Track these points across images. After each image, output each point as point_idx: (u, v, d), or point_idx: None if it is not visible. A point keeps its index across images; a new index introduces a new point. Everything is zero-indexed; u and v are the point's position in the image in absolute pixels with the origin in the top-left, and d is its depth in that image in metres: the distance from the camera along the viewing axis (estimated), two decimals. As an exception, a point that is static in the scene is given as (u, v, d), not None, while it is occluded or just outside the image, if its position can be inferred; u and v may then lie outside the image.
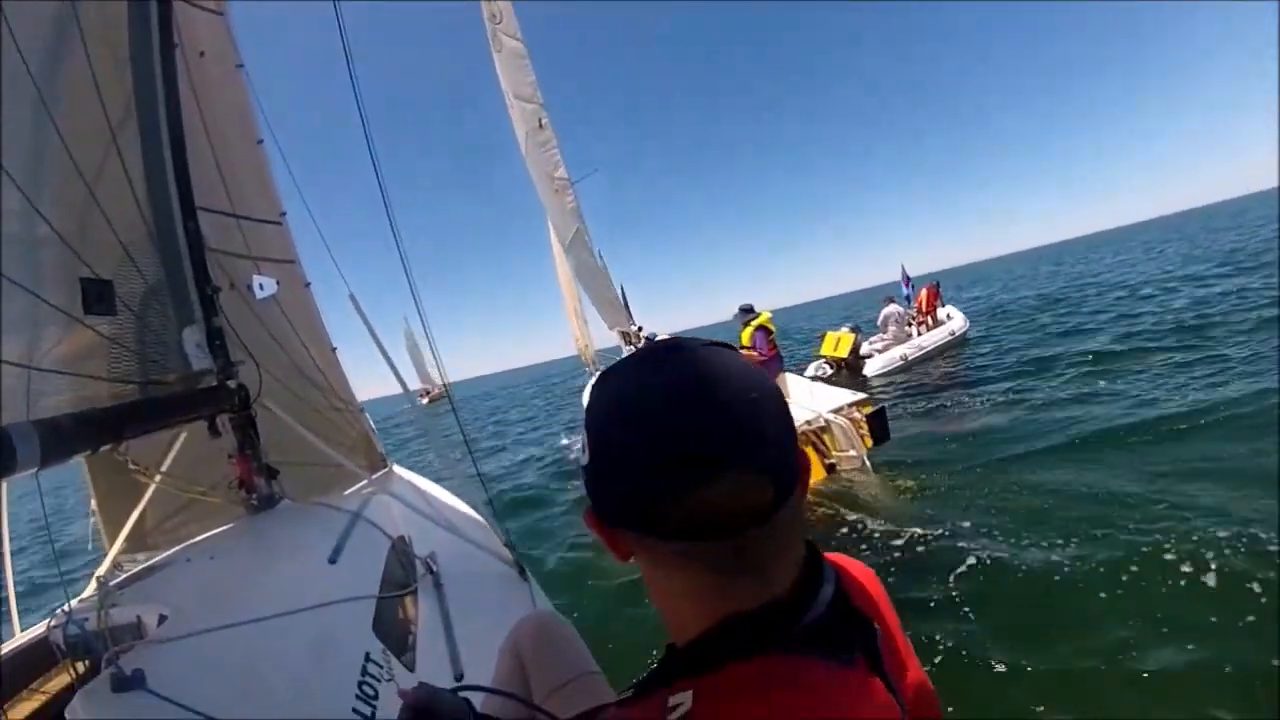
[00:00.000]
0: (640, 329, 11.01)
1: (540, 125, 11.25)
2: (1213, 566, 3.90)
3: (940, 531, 5.21)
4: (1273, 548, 3.97)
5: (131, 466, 2.98)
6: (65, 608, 2.17)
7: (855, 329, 15.82)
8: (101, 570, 3.08)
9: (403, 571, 2.66)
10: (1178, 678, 3.08)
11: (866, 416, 7.04)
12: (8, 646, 2.34)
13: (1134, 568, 4.12)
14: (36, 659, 2.31)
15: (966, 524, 5.29)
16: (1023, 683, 3.25)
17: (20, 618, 3.05)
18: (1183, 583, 3.86)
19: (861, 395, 7.47)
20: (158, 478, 3.11)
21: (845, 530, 5.79)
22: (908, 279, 19.37)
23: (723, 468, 0.60)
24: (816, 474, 7.02)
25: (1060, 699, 3.11)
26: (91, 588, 2.84)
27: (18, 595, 3.26)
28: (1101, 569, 4.18)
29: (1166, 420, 7.03)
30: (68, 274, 2.46)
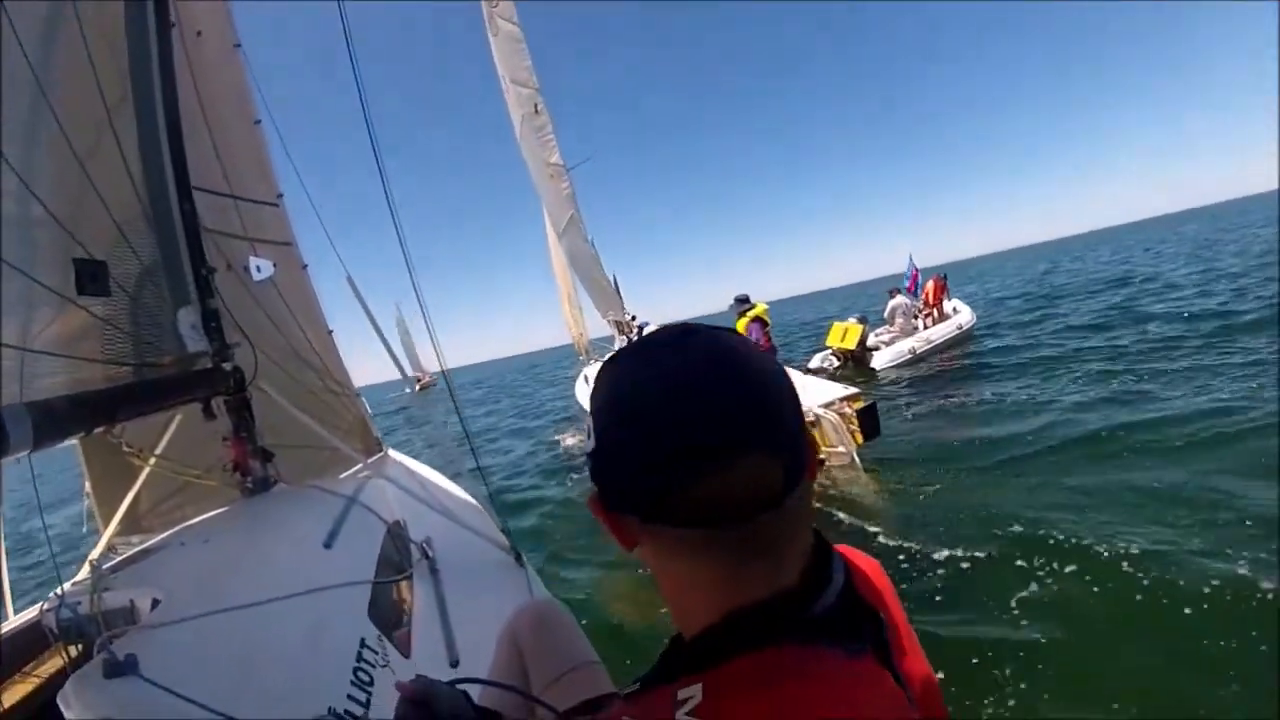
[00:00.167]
0: (634, 317, 10.93)
1: (536, 110, 11.15)
2: (1206, 592, 3.69)
3: (922, 538, 5.02)
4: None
5: (126, 449, 2.94)
6: (58, 591, 2.14)
7: (862, 319, 15.22)
8: (95, 553, 3.03)
9: (398, 556, 2.63)
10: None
11: (857, 412, 6.83)
12: (8, 627, 2.30)
13: (1127, 589, 3.90)
14: (29, 643, 2.28)
15: (951, 531, 5.08)
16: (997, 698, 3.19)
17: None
18: (1185, 610, 3.61)
19: (853, 390, 7.30)
20: (152, 460, 3.07)
21: (822, 528, 5.59)
22: (915, 272, 18.25)
23: (734, 452, 0.59)
24: None
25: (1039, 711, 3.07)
26: (84, 571, 2.80)
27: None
28: (1094, 589, 3.98)
29: (1173, 423, 6.71)
30: (61, 254, 2.41)
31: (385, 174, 3.39)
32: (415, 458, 4.66)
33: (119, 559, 2.45)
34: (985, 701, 3.16)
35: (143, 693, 1.40)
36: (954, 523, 5.22)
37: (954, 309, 17.29)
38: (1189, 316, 13.06)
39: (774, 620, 0.61)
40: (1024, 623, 3.73)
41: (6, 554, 3.22)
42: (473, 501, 3.68)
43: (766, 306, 8.36)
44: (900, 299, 16.23)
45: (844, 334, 14.81)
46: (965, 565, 4.50)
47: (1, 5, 2.18)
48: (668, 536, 0.63)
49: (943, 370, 13.10)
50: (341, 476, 3.62)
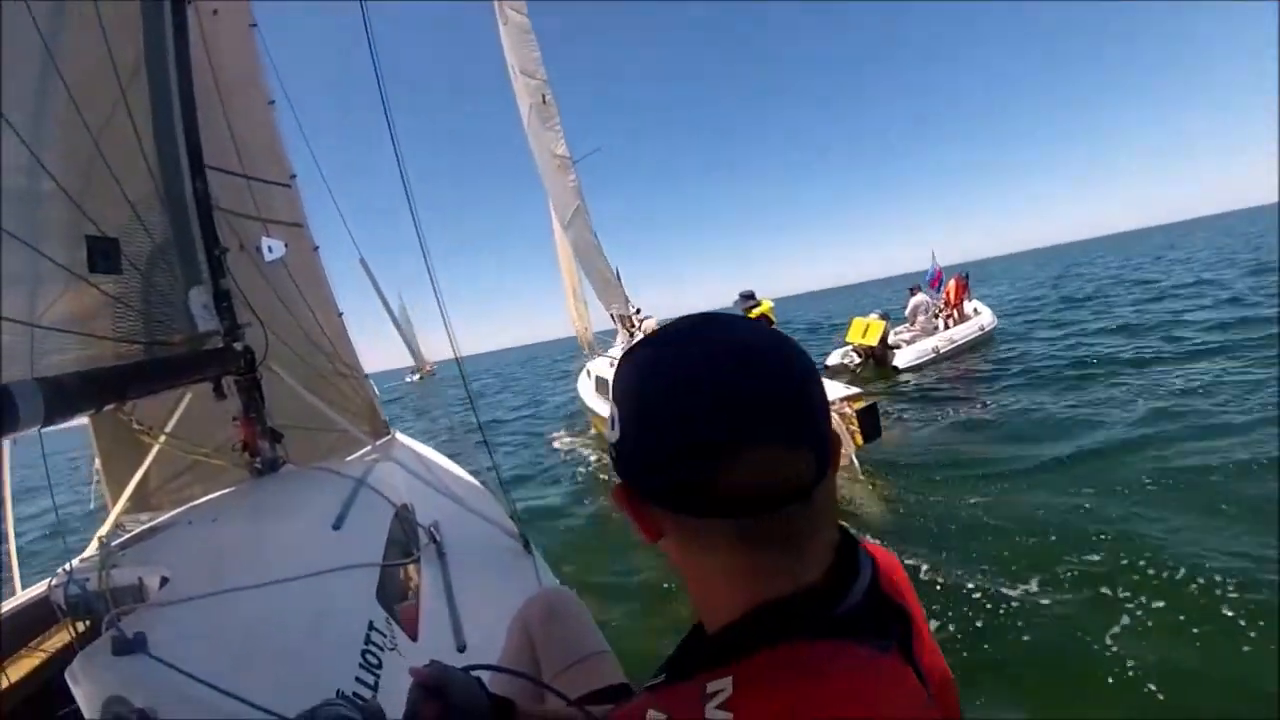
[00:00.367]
0: (638, 310, 10.75)
1: (544, 101, 11.00)
2: (1214, 621, 3.47)
3: (917, 552, 4.75)
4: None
5: (135, 426, 2.90)
6: (66, 567, 2.11)
7: (884, 316, 14.39)
8: (103, 530, 3.01)
9: (406, 540, 2.60)
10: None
11: (857, 412, 6.48)
12: (8, 605, 2.27)
13: (1132, 612, 3.66)
14: (37, 618, 2.26)
15: (945, 544, 4.86)
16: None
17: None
18: (1192, 638, 3.40)
19: (855, 390, 7.05)
20: (161, 438, 3.02)
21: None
22: (939, 270, 17.53)
23: (765, 440, 0.58)
24: None
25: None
26: (93, 547, 2.77)
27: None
28: (1089, 610, 3.76)
29: (1199, 435, 6.31)
30: (73, 231, 2.37)
31: (403, 162, 3.34)
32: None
33: (127, 536, 2.42)
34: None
35: (151, 671, 1.37)
36: (950, 537, 5.01)
37: (974, 309, 16.67)
38: (1226, 324, 12.21)
39: (803, 614, 0.60)
40: (1021, 651, 3.53)
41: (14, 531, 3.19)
42: (480, 487, 3.64)
43: (772, 304, 8.20)
44: (921, 297, 15.59)
45: (865, 330, 14.00)
46: (952, 585, 4.29)
47: None
48: (693, 528, 0.62)
49: (963, 372, 12.54)
50: (348, 459, 3.58)
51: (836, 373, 13.84)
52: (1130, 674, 3.18)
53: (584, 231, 11.26)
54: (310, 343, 3.87)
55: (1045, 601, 3.92)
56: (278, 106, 3.88)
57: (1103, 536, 4.57)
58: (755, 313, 8.04)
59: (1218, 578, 3.81)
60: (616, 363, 0.72)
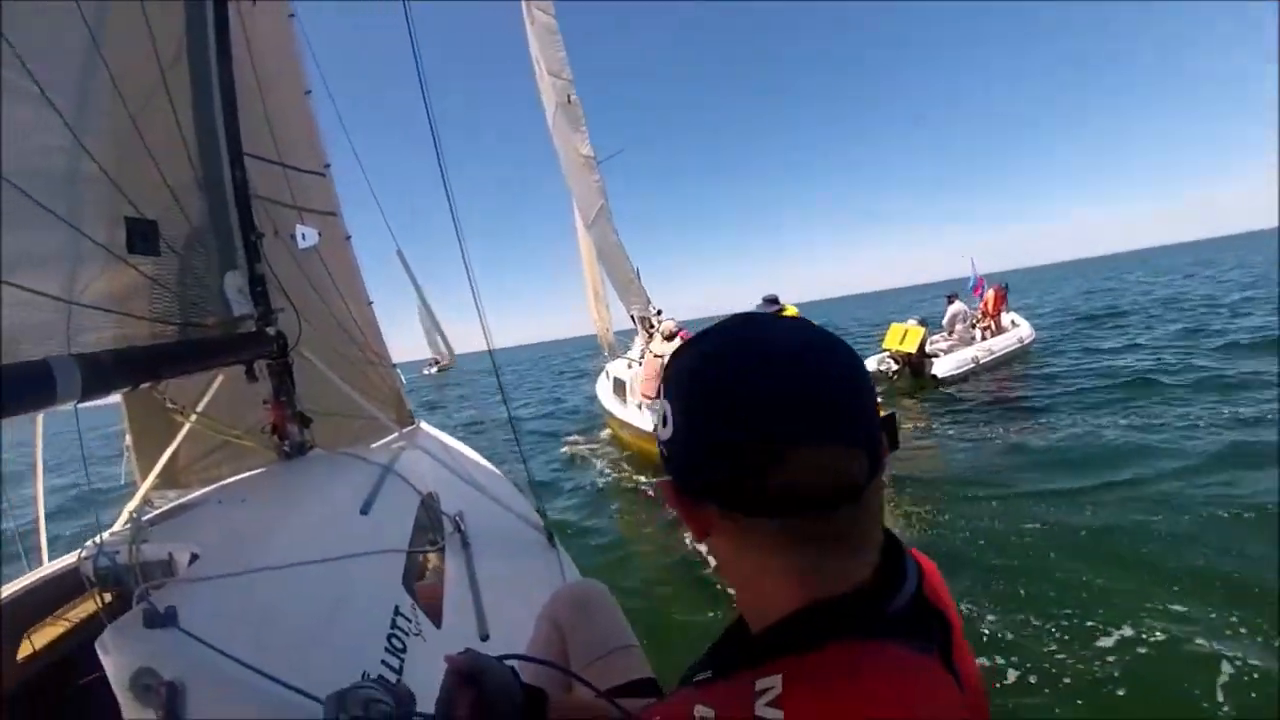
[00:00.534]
0: (659, 312, 10.64)
1: (569, 101, 10.99)
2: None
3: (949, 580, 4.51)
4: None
5: (169, 405, 2.91)
6: (96, 539, 2.11)
7: (923, 322, 13.58)
8: (132, 505, 3.03)
9: (431, 528, 2.59)
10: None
11: None
12: (37, 575, 2.27)
13: (1143, 667, 3.38)
14: (63, 589, 2.26)
15: (988, 574, 4.55)
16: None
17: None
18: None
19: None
20: (193, 417, 3.03)
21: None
22: (981, 279, 16.57)
23: (820, 440, 0.58)
24: None
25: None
26: (121, 521, 2.78)
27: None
28: (1095, 663, 3.47)
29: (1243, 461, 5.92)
30: (113, 212, 2.38)
31: (443, 159, 3.35)
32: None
33: (157, 512, 2.43)
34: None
35: (182, 645, 1.36)
36: (994, 570, 4.64)
37: (1012, 321, 16.02)
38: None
39: (853, 615, 0.60)
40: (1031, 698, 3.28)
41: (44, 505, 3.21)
42: (505, 479, 3.65)
43: (797, 310, 8.12)
44: (959, 305, 14.93)
45: (903, 336, 13.27)
46: (987, 621, 3.99)
47: None
48: (744, 526, 0.62)
49: (1004, 386, 11.94)
50: (373, 446, 3.58)
51: (874, 380, 13.75)
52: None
53: (607, 231, 11.23)
54: (340, 330, 3.89)
55: (1114, 656, 3.51)
56: (318, 97, 3.89)
57: (1176, 579, 4.15)
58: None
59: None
60: (668, 360, 0.71)
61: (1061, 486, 6.15)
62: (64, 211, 2.12)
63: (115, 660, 1.32)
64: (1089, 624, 3.80)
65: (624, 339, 13.63)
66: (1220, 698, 3.10)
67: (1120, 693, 3.24)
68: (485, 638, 2.03)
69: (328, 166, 3.92)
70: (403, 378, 4.50)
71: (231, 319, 2.80)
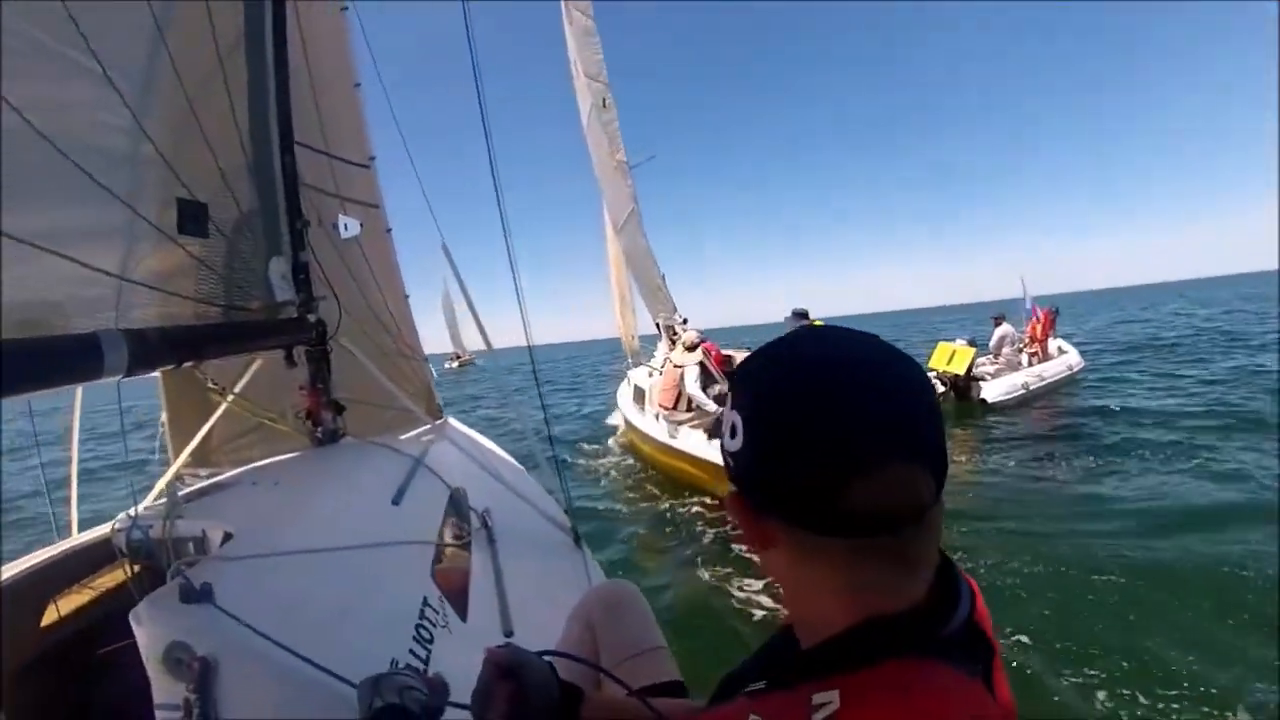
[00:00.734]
0: (685, 321, 10.56)
1: (604, 105, 11.03)
2: None
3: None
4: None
5: (210, 385, 2.93)
6: (130, 512, 2.13)
7: (971, 343, 12.90)
8: (163, 481, 3.06)
9: (458, 522, 2.58)
10: None
11: None
12: (69, 544, 2.29)
13: None
14: (91, 559, 2.28)
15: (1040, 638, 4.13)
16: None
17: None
18: None
19: None
20: (230, 398, 3.04)
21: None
22: (1034, 307, 15.49)
23: (886, 462, 0.57)
24: None
25: None
26: (152, 496, 2.80)
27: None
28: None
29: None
30: (166, 193, 2.40)
31: (494, 160, 3.36)
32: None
33: (191, 489, 2.44)
34: None
35: (217, 621, 1.37)
36: (1004, 607, 4.41)
37: (1059, 348, 15.20)
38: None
39: (910, 634, 0.60)
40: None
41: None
42: (531, 478, 3.65)
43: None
44: (1007, 327, 14.15)
45: (951, 356, 12.53)
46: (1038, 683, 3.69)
47: None
48: (809, 543, 0.62)
49: (1056, 416, 11.26)
50: (402, 437, 3.59)
51: None
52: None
53: (636, 236, 11.19)
54: (376, 321, 3.90)
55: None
56: (372, 90, 3.92)
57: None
58: None
59: None
60: (737, 370, 0.71)
61: (1127, 539, 5.55)
62: (119, 189, 2.13)
63: (149, 632, 1.33)
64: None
65: (649, 344, 13.47)
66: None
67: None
68: (509, 634, 2.03)
69: (373, 159, 3.94)
70: (433, 371, 4.50)
71: (274, 304, 2.82)
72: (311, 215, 3.09)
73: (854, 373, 0.60)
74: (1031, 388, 12.35)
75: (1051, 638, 4.06)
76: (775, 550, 0.66)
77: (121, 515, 2.19)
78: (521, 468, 3.87)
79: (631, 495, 8.66)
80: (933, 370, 12.96)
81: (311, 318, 2.97)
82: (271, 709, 1.28)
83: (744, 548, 5.91)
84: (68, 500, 3.08)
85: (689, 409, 8.39)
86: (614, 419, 14.50)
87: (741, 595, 5.02)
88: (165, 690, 1.27)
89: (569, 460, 11.09)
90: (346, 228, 3.25)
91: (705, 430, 7.67)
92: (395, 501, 2.34)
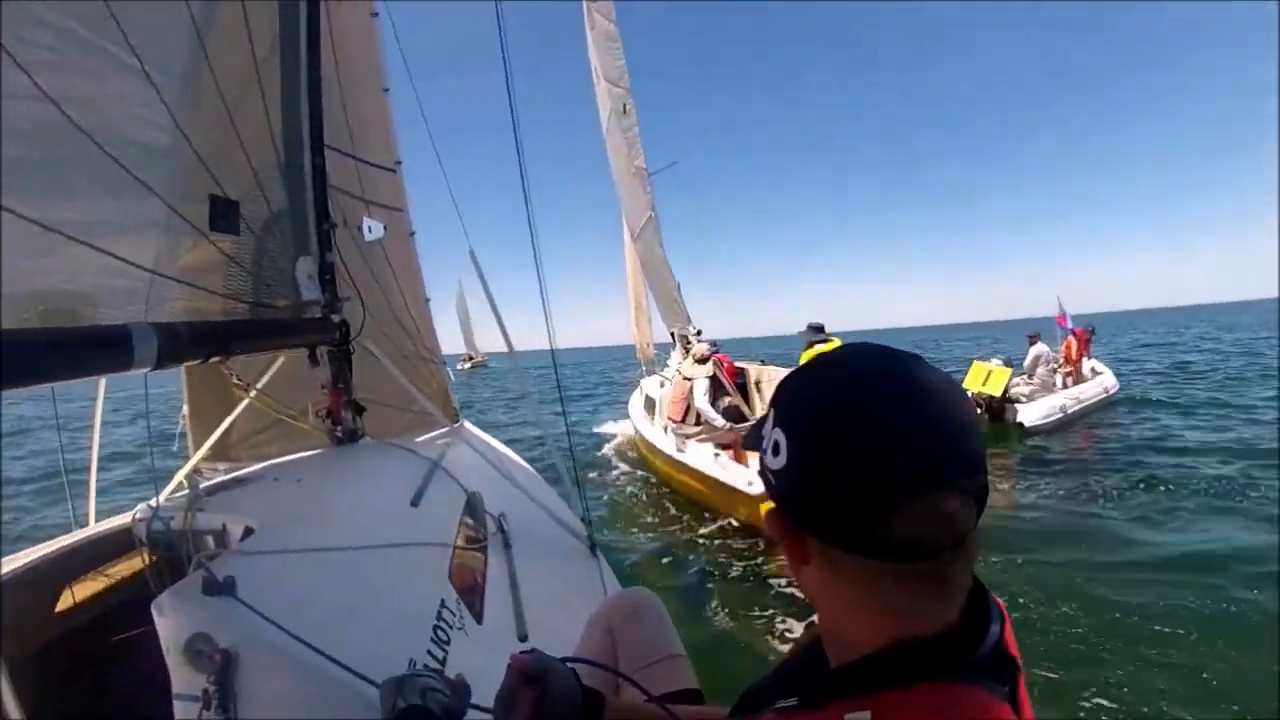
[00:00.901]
0: (700, 332, 10.34)
1: (625, 110, 10.88)
2: None
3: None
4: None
5: (235, 381, 2.95)
6: (151, 503, 2.14)
7: (1007, 363, 12.42)
8: (183, 473, 3.07)
9: (475, 526, 2.59)
10: None
11: None
12: (87, 532, 2.31)
13: None
14: (110, 548, 2.29)
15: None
16: None
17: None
18: None
19: None
20: (253, 393, 3.06)
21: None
22: (1068, 325, 14.87)
23: (945, 487, 0.57)
24: None
25: None
26: (171, 487, 2.81)
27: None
28: None
29: None
30: (199, 190, 2.42)
31: (523, 162, 3.39)
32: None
33: (212, 482, 2.45)
34: None
35: (239, 614, 1.38)
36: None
37: (1093, 369, 14.62)
38: None
39: (943, 656, 0.59)
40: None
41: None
42: (546, 484, 3.65)
43: (840, 344, 7.78)
44: (1042, 347, 13.45)
45: (987, 377, 11.92)
46: None
47: None
48: (849, 563, 0.61)
49: (1096, 441, 10.64)
50: (419, 440, 3.60)
51: None
52: None
53: (653, 245, 11.05)
54: (397, 323, 3.93)
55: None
56: (406, 95, 3.96)
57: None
58: (820, 348, 7.63)
59: None
60: (780, 386, 0.71)
61: (1168, 583, 5.04)
62: (154, 184, 2.15)
63: (171, 623, 1.34)
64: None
65: (664, 352, 13.18)
66: None
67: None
68: (524, 638, 2.04)
69: (399, 163, 3.97)
70: (451, 375, 4.52)
71: (300, 303, 2.84)
72: (337, 217, 3.12)
73: (903, 396, 0.59)
74: (1069, 411, 11.84)
75: (1078, 679, 3.85)
76: (811, 567, 0.66)
77: (142, 505, 2.21)
78: (536, 474, 3.87)
79: (643, 507, 8.48)
80: (967, 391, 12.51)
81: (336, 318, 2.99)
82: (291, 704, 1.29)
83: (752, 565, 5.92)
84: (85, 489, 3.10)
85: (697, 423, 8.26)
86: (607, 427, 14.34)
87: (757, 615, 4.96)
88: (185, 681, 1.28)
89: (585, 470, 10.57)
90: (371, 230, 3.27)
91: (715, 444, 7.54)
92: (414, 503, 2.35)
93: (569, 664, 1.05)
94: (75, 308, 1.84)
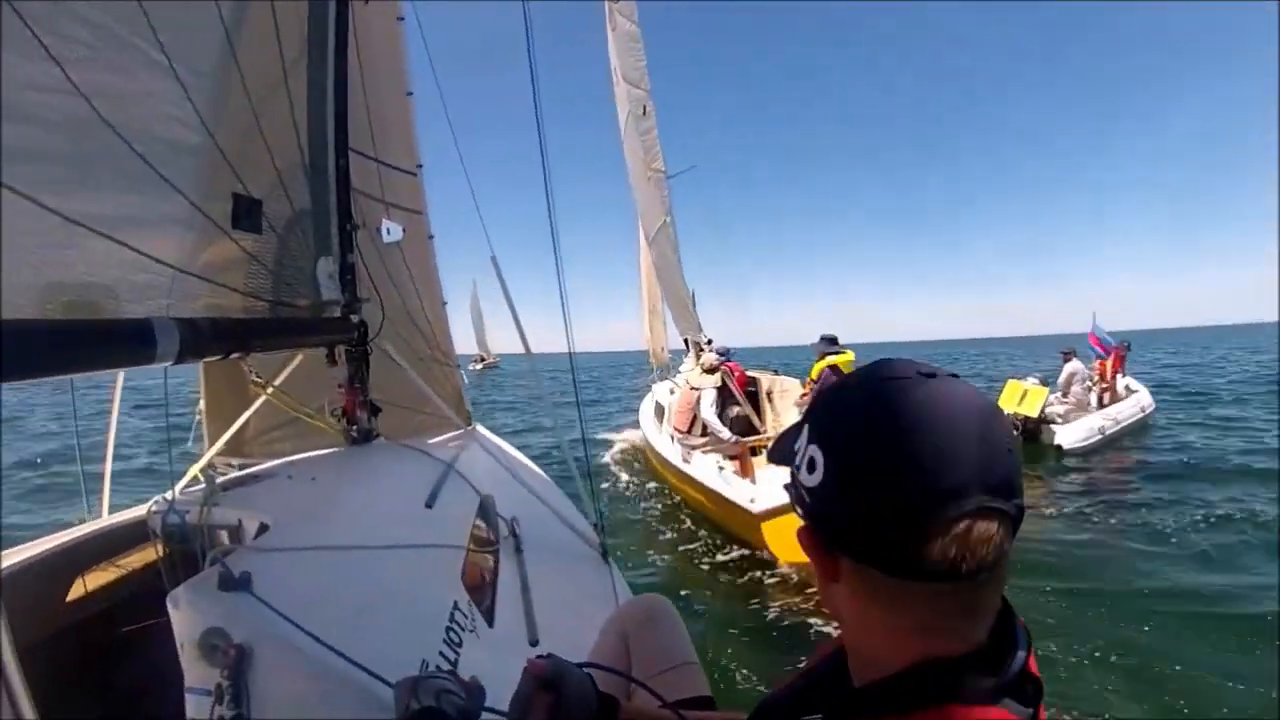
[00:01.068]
0: (710, 341, 10.21)
1: (644, 112, 10.80)
2: None
3: None
4: None
5: (254, 379, 2.96)
6: (167, 496, 2.14)
7: (1044, 382, 11.80)
8: (197, 468, 3.10)
9: (487, 529, 2.58)
10: None
11: None
12: (100, 523, 2.31)
13: None
14: (123, 539, 2.31)
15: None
16: None
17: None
18: None
19: None
20: (270, 390, 3.07)
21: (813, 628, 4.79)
22: (1095, 340, 14.23)
23: (985, 511, 0.56)
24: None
25: None
26: (185, 480, 2.82)
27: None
28: None
29: None
30: (222, 188, 2.43)
31: (547, 165, 3.39)
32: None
33: (228, 477, 2.46)
34: None
35: (255, 610, 1.37)
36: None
37: (1127, 387, 13.98)
38: None
39: (971, 677, 0.59)
40: None
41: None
42: (559, 490, 3.64)
43: (853, 357, 7.61)
44: (1077, 364, 12.80)
45: (1022, 397, 11.33)
46: None
47: None
48: (883, 583, 0.60)
49: (1127, 465, 10.03)
50: (432, 442, 3.61)
51: None
52: None
53: (666, 250, 10.93)
54: (413, 325, 3.94)
55: None
56: (433, 100, 3.98)
57: None
58: (831, 361, 7.60)
59: None
60: (816, 401, 0.70)
61: (1210, 626, 4.61)
62: (178, 180, 2.16)
63: (186, 617, 1.34)
64: None
65: (678, 358, 13.08)
66: None
67: None
68: (534, 642, 2.03)
69: (420, 167, 3.99)
70: (464, 378, 4.52)
71: (319, 303, 2.85)
72: (359, 218, 3.13)
73: (954, 422, 0.58)
74: (1107, 432, 11.35)
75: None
76: (840, 585, 0.65)
77: (157, 498, 2.21)
78: (548, 479, 3.86)
79: (654, 516, 8.38)
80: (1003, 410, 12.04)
81: (355, 318, 3.00)
82: (304, 701, 1.28)
83: (764, 574, 5.88)
84: (100, 480, 3.11)
85: (703, 434, 8.18)
86: (604, 434, 14.23)
87: (760, 630, 4.94)
88: (198, 675, 1.28)
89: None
90: (389, 232, 3.28)
91: (723, 455, 7.49)
92: (429, 505, 2.35)
93: (584, 669, 1.06)
94: (98, 300, 1.85)
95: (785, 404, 8.93)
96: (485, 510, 2.64)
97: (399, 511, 2.26)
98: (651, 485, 9.78)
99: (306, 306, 2.79)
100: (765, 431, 8.66)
